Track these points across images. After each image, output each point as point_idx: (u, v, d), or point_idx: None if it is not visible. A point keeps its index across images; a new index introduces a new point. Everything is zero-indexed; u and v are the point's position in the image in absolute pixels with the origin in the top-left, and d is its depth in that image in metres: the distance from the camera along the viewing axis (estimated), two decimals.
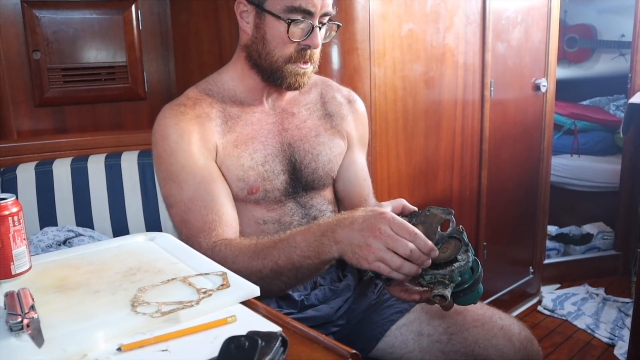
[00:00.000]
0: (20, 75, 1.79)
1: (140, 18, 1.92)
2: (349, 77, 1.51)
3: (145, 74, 1.96)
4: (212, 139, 1.09)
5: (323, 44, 1.10)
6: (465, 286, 0.90)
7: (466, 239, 0.91)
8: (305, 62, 1.09)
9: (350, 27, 1.59)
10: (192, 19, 1.93)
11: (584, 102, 3.52)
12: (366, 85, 1.62)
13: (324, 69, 1.38)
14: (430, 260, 0.85)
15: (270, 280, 0.96)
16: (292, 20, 1.03)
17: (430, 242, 0.84)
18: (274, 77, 1.09)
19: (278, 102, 1.18)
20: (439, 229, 0.91)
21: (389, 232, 0.83)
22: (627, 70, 2.84)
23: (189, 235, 1.06)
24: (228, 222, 1.06)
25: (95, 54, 1.88)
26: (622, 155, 2.88)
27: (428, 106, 1.84)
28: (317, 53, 1.10)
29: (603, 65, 3.57)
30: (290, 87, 1.11)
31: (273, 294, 1.05)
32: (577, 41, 3.58)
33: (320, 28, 1.07)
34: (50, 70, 1.82)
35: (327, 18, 1.08)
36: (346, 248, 0.87)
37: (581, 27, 3.58)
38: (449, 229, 0.92)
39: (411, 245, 0.83)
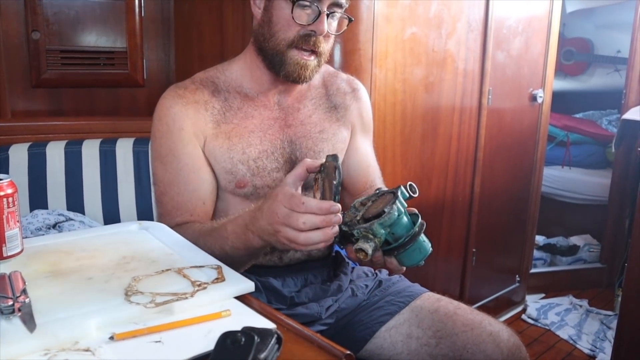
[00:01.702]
0: (17, 55, 1.77)
1: (142, 5, 1.91)
2: None
3: (145, 61, 1.95)
4: (203, 127, 1.09)
5: (330, 39, 1.08)
6: (400, 242, 0.87)
7: (400, 192, 0.87)
8: (308, 51, 1.05)
9: (354, 28, 1.58)
10: (195, 9, 1.92)
11: (578, 115, 3.55)
12: (367, 87, 1.60)
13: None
14: (339, 217, 0.82)
15: None
16: (297, 1, 1.02)
17: (324, 203, 0.81)
18: (275, 63, 1.07)
19: (285, 98, 1.16)
20: (339, 178, 0.87)
21: (285, 212, 0.82)
22: (621, 86, 2.87)
23: (160, 214, 1.13)
24: (195, 211, 1.09)
25: (95, 38, 1.86)
26: (613, 169, 2.91)
27: (426, 111, 1.84)
28: (323, 45, 1.06)
29: (598, 79, 3.61)
30: (288, 77, 1.07)
31: None
32: (573, 54, 3.61)
33: (328, 16, 1.04)
34: (49, 51, 1.80)
35: (338, 10, 1.05)
36: (267, 238, 0.88)
37: (578, 40, 3.61)
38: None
39: (303, 217, 0.81)
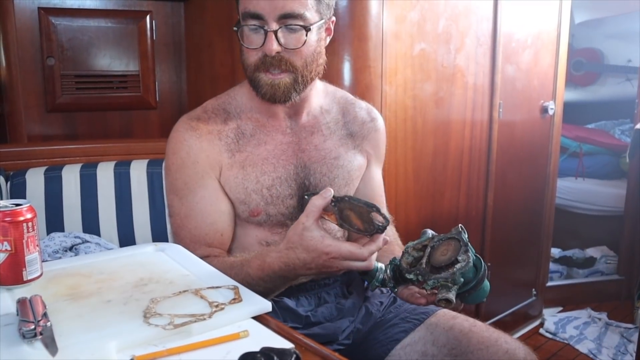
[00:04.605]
0: (33, 81, 1.81)
1: (154, 28, 1.94)
2: (360, 94, 1.50)
3: (157, 83, 1.98)
4: (218, 157, 1.09)
5: (301, 52, 1.02)
6: (471, 285, 0.90)
7: (465, 239, 0.91)
8: (273, 72, 1.02)
9: (363, 46, 1.60)
10: (205, 31, 1.94)
11: (590, 126, 3.53)
12: (377, 104, 1.63)
13: (335, 86, 1.38)
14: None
15: None
16: (240, 27, 1.01)
17: (358, 253, 0.90)
18: (254, 87, 1.06)
19: (297, 120, 1.14)
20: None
21: (343, 264, 0.92)
22: (632, 95, 2.86)
23: None
24: (213, 244, 1.10)
25: (108, 62, 1.90)
26: (628, 179, 2.88)
27: (437, 126, 1.84)
28: (290, 62, 1.01)
29: (609, 89, 3.59)
30: (265, 98, 1.04)
31: None
32: (583, 65, 3.60)
33: (278, 31, 0.99)
34: (64, 76, 1.83)
35: (294, 22, 0.99)
36: (311, 276, 1.05)
37: (588, 51, 3.61)
38: (452, 231, 0.94)
39: (359, 264, 0.92)
